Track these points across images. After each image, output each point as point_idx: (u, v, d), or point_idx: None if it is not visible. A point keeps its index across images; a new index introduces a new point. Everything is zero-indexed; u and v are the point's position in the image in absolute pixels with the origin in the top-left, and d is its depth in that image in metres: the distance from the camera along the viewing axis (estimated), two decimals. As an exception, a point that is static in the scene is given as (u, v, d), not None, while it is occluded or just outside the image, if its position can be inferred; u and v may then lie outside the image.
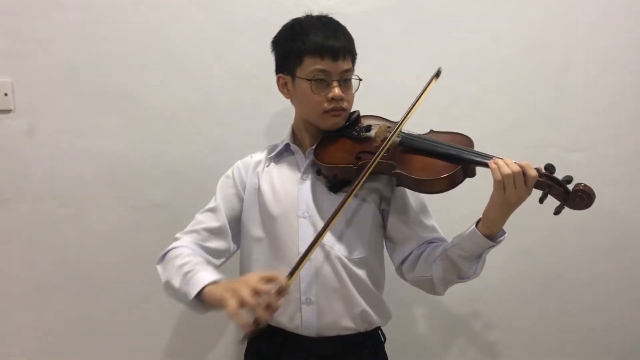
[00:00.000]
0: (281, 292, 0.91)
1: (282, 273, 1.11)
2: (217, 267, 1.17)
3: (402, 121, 1.07)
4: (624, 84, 1.57)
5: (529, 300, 1.60)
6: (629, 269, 1.61)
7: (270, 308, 0.89)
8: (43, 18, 1.43)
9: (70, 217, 1.48)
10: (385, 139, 1.06)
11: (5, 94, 1.43)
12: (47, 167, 1.46)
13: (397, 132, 1.07)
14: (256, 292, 0.88)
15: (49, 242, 1.48)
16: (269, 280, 0.91)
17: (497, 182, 0.93)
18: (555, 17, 1.55)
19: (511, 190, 0.92)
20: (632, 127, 1.58)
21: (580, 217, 1.53)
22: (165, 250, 1.14)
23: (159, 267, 1.13)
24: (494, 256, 1.52)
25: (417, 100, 1.08)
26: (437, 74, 1.13)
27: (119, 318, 1.52)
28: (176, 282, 1.03)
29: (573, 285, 1.61)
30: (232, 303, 0.87)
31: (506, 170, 0.92)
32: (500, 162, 0.94)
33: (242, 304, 0.87)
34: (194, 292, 0.97)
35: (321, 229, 1.00)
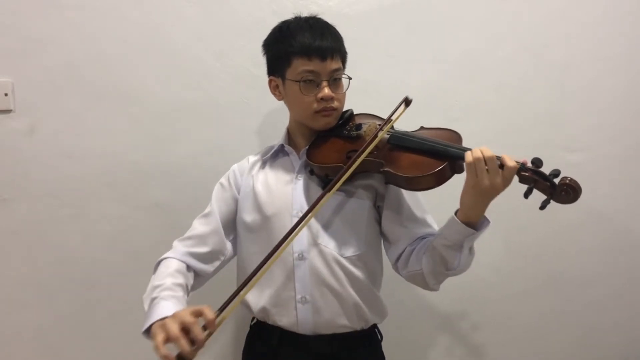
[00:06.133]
0: (208, 326, 0.88)
1: (281, 271, 1.12)
2: (210, 273, 1.20)
3: (382, 127, 1.08)
4: (624, 84, 1.57)
5: (528, 300, 1.60)
6: (628, 269, 1.61)
7: (195, 342, 0.87)
8: (43, 18, 1.43)
9: (70, 217, 1.48)
10: (374, 137, 1.07)
11: (5, 94, 1.43)
12: (47, 167, 1.46)
13: (382, 132, 1.07)
14: (184, 327, 0.88)
15: (49, 242, 1.48)
16: (197, 314, 0.89)
17: (467, 165, 0.94)
18: (555, 17, 1.55)
19: (483, 174, 0.93)
20: (632, 127, 1.58)
21: (580, 216, 1.55)
22: (159, 260, 1.15)
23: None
24: (494, 255, 1.53)
25: (385, 124, 1.09)
26: (407, 102, 1.11)
27: (119, 318, 1.52)
28: (145, 305, 1.05)
29: (572, 285, 1.61)
30: (159, 338, 0.88)
31: (477, 154, 0.93)
32: (474, 148, 0.95)
33: (168, 338, 0.87)
34: (145, 327, 0.98)
35: (294, 225, 0.99)
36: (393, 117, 1.09)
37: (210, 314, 0.89)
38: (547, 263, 1.60)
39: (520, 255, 1.59)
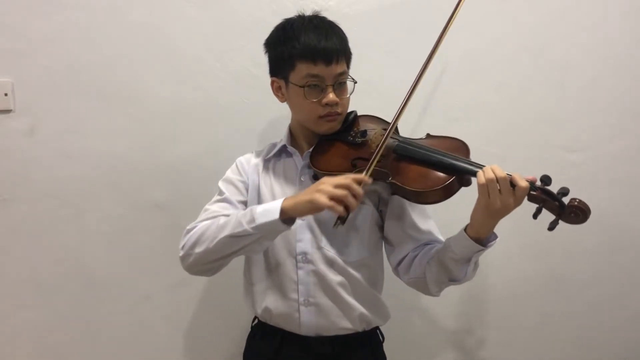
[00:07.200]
0: (361, 182, 0.97)
1: (284, 274, 1.12)
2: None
3: (409, 94, 1.07)
4: (623, 84, 1.57)
5: (528, 300, 1.60)
6: (629, 269, 1.61)
7: (356, 196, 0.95)
8: (43, 18, 1.43)
9: (70, 217, 1.48)
10: (384, 141, 1.05)
11: (5, 94, 1.43)
12: (47, 167, 1.46)
13: (393, 127, 1.06)
14: (339, 187, 0.95)
15: (49, 242, 1.48)
16: (348, 179, 0.97)
17: (480, 186, 0.93)
18: (555, 17, 1.55)
19: (495, 195, 0.92)
20: (632, 127, 1.58)
21: (580, 217, 1.55)
22: (184, 240, 1.08)
23: (188, 251, 1.06)
24: (494, 256, 1.53)
25: (448, 23, 1.13)
26: None
27: (119, 318, 1.52)
28: (233, 230, 1.01)
29: (573, 285, 1.61)
30: (323, 199, 0.94)
31: (490, 174, 0.92)
32: (486, 167, 0.94)
33: (331, 197, 0.94)
34: (275, 215, 0.99)
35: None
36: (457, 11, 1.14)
37: (360, 175, 0.99)
38: (548, 263, 1.60)
39: (522, 256, 1.59)
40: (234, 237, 1.02)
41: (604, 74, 1.56)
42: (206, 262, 1.07)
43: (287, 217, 1.00)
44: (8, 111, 1.44)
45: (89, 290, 1.50)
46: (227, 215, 1.10)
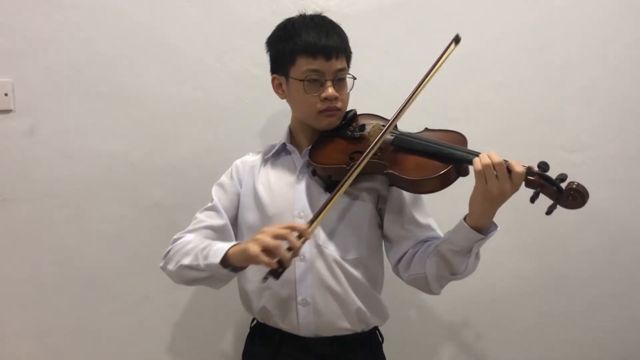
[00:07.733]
0: (302, 236, 0.93)
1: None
2: None
3: (403, 107, 1.06)
4: (624, 84, 1.57)
5: (528, 300, 1.60)
6: (629, 269, 1.61)
7: (292, 250, 0.91)
8: (43, 18, 1.43)
9: (70, 217, 1.48)
10: (381, 136, 1.05)
11: (5, 94, 1.43)
12: (47, 167, 1.46)
13: (391, 125, 1.06)
14: (277, 237, 0.91)
15: (49, 242, 1.48)
16: (289, 228, 0.93)
17: (477, 172, 0.93)
18: (555, 17, 1.55)
19: (492, 181, 0.92)
20: (632, 127, 1.58)
21: (580, 216, 1.54)
22: (167, 250, 1.14)
23: (164, 264, 1.12)
24: (494, 255, 1.53)
25: (432, 69, 1.10)
26: (457, 40, 1.13)
27: (119, 318, 1.51)
28: (191, 261, 1.04)
29: (573, 285, 1.61)
30: (255, 248, 0.90)
31: (486, 160, 0.92)
32: (482, 154, 0.94)
33: (264, 248, 0.90)
34: (218, 258, 0.98)
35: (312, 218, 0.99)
36: (443, 58, 1.10)
37: (302, 225, 0.94)
38: (548, 263, 1.60)
39: (521, 255, 1.59)
40: (189, 267, 1.05)
41: (604, 74, 1.57)
42: (176, 281, 1.12)
43: (230, 263, 0.98)
44: (8, 111, 1.44)
45: (89, 290, 1.50)
46: (211, 227, 1.15)
